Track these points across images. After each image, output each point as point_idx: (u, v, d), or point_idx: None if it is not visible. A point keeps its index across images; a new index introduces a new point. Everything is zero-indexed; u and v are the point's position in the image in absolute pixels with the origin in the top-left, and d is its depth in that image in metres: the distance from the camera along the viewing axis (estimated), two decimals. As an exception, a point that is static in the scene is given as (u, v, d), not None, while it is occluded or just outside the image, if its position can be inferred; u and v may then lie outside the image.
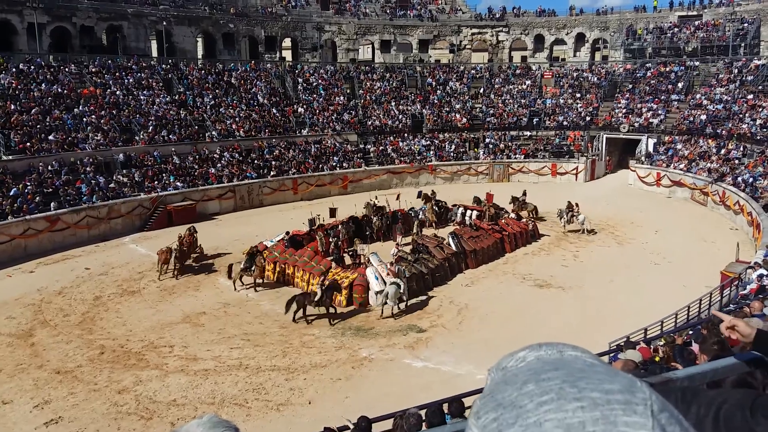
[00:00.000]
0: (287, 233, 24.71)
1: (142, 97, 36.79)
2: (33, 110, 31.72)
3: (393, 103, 45.84)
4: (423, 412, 8.46)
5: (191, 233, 24.65)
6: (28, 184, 27.67)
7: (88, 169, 30.27)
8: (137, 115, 35.27)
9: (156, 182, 31.77)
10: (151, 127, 34.77)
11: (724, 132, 36.67)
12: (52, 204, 27.21)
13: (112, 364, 15.73)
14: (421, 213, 28.79)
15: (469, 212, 29.21)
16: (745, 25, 44.67)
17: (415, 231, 26.44)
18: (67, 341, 17.21)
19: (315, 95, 44.52)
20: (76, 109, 33.36)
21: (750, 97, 38.29)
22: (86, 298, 20.74)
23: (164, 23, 43.40)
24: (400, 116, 44.85)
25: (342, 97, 45.16)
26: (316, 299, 18.35)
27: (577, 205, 28.42)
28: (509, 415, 0.65)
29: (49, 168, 29.26)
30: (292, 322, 18.33)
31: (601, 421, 0.60)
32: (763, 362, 1.87)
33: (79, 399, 14.01)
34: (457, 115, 45.63)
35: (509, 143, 43.51)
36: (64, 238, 27.03)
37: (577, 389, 0.64)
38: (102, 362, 15.87)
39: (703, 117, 39.10)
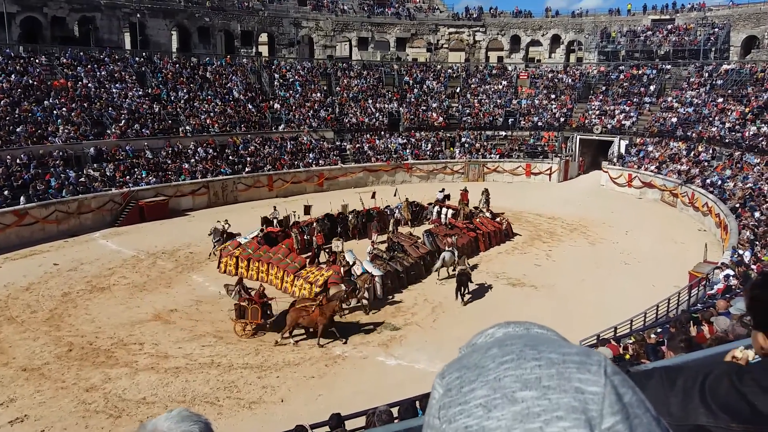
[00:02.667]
0: (262, 230, 24.56)
1: (114, 90, 36.18)
2: (2, 102, 30.99)
3: (370, 101, 45.80)
4: (395, 409, 8.50)
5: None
6: (-5, 177, 27.06)
7: (57, 162, 29.68)
8: (109, 109, 34.68)
9: (128, 177, 31.28)
10: (123, 121, 34.21)
11: (694, 135, 37.38)
12: (21, 198, 26.64)
13: (81, 362, 15.46)
14: (396, 211, 28.84)
15: (444, 210, 29.37)
16: (716, 30, 45.58)
17: (390, 229, 26.46)
18: (34, 338, 16.88)
19: (291, 91, 44.25)
20: (46, 102, 32.68)
21: (720, 100, 39.09)
22: (54, 294, 20.34)
23: (138, 15, 42.70)
24: (377, 114, 44.83)
25: (319, 94, 44.97)
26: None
27: (488, 190, 31.65)
28: (471, 374, 0.69)
29: (18, 161, 28.62)
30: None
31: (556, 377, 0.64)
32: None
33: (45, 397, 13.74)
34: (434, 114, 45.78)
35: (485, 143, 43.80)
36: (32, 232, 26.48)
37: (536, 351, 0.68)
38: (70, 359, 15.59)
39: (674, 120, 39.81)
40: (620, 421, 0.63)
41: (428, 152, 42.68)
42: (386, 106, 45.74)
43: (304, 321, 16.32)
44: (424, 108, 46.40)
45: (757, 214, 25.22)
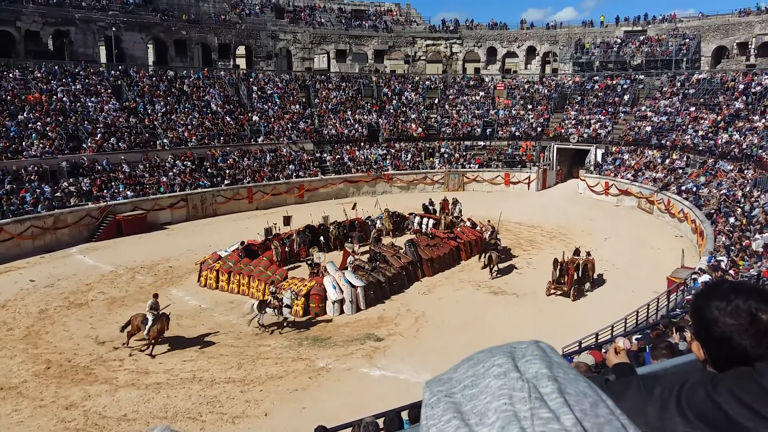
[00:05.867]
0: (242, 243, 24.38)
1: (89, 104, 35.75)
2: (-26, 116, 30.47)
3: (349, 113, 45.89)
4: (381, 420, 8.46)
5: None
6: (-32, 193, 26.52)
7: (32, 177, 29.21)
8: (85, 122, 34.25)
9: (105, 191, 30.87)
10: (99, 135, 33.81)
11: (668, 143, 38.06)
12: (-7, 214, 26.17)
13: (59, 379, 15.16)
14: (378, 222, 28.87)
15: (425, 220, 29.48)
16: (687, 40, 46.60)
17: (372, 240, 26.45)
18: (11, 356, 16.51)
19: (270, 103, 44.17)
20: (20, 116, 32.18)
21: (692, 109, 39.88)
22: (31, 311, 19.94)
23: (113, 29, 42.35)
24: (356, 125, 44.92)
25: (297, 106, 44.96)
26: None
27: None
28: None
29: (-9, 176, 28.12)
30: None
31: (501, 346, 0.84)
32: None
33: (23, 416, 13.44)
34: (413, 125, 46.01)
35: (464, 153, 44.12)
36: (8, 249, 25.94)
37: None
38: (48, 377, 15.27)
39: (649, 128, 40.50)
40: (539, 359, 0.78)
41: (408, 163, 42.85)
42: (365, 117, 45.86)
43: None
44: (403, 119, 46.62)
45: (732, 220, 25.69)
